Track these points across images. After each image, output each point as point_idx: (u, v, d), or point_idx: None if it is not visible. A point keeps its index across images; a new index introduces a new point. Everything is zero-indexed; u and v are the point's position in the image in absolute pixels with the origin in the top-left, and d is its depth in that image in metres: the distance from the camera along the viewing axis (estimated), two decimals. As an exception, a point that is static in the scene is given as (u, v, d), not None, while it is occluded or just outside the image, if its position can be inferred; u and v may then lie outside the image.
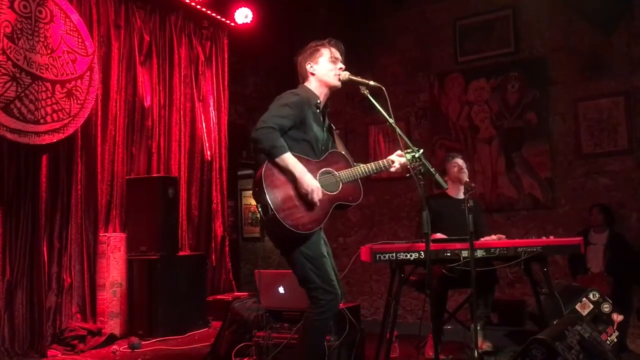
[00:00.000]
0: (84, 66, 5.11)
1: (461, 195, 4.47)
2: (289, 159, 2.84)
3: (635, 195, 5.70)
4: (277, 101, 2.97)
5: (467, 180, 4.31)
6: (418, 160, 3.05)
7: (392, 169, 3.19)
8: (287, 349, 3.54)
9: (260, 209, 2.83)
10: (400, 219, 6.84)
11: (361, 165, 3.13)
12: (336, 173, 3.04)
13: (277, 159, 2.83)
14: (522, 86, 6.27)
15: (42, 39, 4.77)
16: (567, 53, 6.09)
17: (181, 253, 5.77)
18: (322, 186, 2.92)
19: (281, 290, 3.82)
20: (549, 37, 6.20)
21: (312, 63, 3.11)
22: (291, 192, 2.85)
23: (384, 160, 3.19)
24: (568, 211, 5.99)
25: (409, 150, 3.12)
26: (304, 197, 2.86)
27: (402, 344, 4.30)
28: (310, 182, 2.86)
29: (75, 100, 5.00)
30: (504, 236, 4.06)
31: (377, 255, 3.52)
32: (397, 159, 3.18)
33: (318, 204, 2.89)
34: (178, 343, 4.96)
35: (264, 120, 2.85)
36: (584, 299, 3.85)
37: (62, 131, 4.89)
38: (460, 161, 4.51)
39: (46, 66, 4.78)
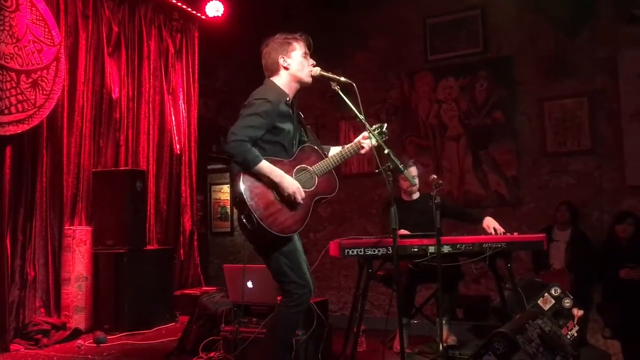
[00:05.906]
0: (50, 56, 5.01)
1: (414, 197, 4.59)
2: (264, 167, 2.85)
3: (596, 194, 5.86)
4: (247, 109, 2.92)
5: (435, 176, 4.36)
6: (385, 135, 3.16)
7: (362, 152, 3.21)
8: (254, 343, 3.55)
9: (244, 219, 2.84)
10: (369, 215, 6.89)
11: (332, 154, 3.15)
12: (310, 168, 3.05)
13: (252, 170, 2.84)
14: (490, 85, 6.36)
15: (7, 28, 4.65)
16: (532, 54, 6.21)
17: (149, 247, 5.72)
18: (300, 184, 2.94)
19: (250, 284, 3.83)
20: (515, 38, 6.30)
21: (284, 57, 3.06)
22: (271, 197, 2.88)
23: (352, 144, 3.20)
24: (532, 209, 6.12)
25: (374, 128, 3.16)
26: (287, 198, 2.89)
27: (369, 338, 4.34)
28: (291, 183, 2.90)
29: (40, 91, 4.90)
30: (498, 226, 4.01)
31: (346, 250, 3.55)
32: (365, 142, 3.20)
33: (302, 202, 2.92)
34: (144, 337, 4.93)
35: (235, 132, 2.83)
36: (546, 294, 3.94)
37: (27, 122, 4.78)
38: (413, 170, 4.53)
39: (11, 55, 4.67)
